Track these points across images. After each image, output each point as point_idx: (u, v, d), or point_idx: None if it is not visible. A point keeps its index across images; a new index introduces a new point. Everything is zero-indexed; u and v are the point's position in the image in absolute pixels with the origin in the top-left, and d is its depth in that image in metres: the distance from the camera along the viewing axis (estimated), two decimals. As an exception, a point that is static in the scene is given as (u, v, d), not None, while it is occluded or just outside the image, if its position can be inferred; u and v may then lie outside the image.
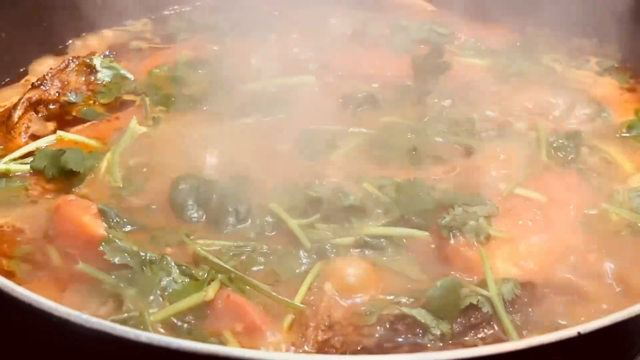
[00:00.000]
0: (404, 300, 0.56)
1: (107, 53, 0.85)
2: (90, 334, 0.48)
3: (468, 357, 0.48)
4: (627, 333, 0.52)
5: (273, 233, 0.61)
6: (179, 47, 0.86)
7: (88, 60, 0.80)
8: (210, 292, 0.56)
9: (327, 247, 0.59)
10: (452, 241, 0.59)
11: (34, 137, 0.74)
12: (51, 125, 0.75)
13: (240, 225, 0.61)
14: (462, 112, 0.73)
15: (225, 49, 0.84)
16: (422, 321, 0.54)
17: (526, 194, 0.63)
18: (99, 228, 0.61)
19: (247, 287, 0.56)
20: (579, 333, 0.50)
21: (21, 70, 0.83)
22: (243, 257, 0.59)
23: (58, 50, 0.86)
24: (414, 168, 0.67)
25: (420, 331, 0.54)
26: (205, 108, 0.74)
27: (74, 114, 0.77)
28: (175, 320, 0.55)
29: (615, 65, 0.84)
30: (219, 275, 0.57)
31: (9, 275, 0.59)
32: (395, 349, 0.53)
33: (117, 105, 0.77)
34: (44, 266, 0.60)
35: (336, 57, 0.81)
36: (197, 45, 0.86)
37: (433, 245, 0.60)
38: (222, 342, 0.53)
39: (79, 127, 0.75)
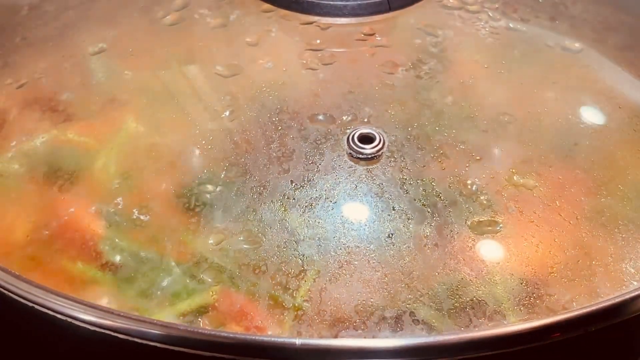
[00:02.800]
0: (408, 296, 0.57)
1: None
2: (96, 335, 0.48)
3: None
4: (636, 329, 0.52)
5: (275, 230, 0.61)
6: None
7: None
8: (212, 292, 0.56)
9: (329, 244, 0.59)
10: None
11: (29, 135, 0.73)
12: (46, 124, 0.74)
13: (242, 223, 0.61)
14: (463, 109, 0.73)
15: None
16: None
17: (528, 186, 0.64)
18: (98, 227, 0.60)
19: (250, 287, 0.57)
20: (586, 330, 0.50)
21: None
22: (245, 256, 0.59)
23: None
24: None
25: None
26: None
27: (69, 112, 0.76)
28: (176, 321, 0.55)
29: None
30: (221, 275, 0.57)
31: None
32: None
33: (113, 104, 0.77)
34: (41, 267, 0.60)
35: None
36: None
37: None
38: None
39: (75, 125, 0.74)
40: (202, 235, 0.60)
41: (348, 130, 0.66)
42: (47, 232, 0.62)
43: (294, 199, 0.62)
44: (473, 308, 0.56)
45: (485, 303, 0.56)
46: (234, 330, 0.55)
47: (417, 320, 0.55)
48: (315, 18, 0.76)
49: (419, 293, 0.57)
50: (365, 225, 0.61)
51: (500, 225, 0.61)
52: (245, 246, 0.59)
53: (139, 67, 0.79)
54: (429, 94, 0.72)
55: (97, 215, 0.61)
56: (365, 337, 0.55)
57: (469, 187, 0.63)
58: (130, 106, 0.74)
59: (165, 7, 0.79)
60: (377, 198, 0.62)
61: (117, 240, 0.59)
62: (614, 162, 0.68)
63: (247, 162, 0.65)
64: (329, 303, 0.56)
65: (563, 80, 0.78)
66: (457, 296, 0.57)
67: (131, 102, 0.74)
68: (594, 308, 0.54)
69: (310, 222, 0.61)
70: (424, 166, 0.64)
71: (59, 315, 0.54)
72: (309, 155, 0.65)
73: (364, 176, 0.63)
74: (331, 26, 0.77)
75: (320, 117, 0.68)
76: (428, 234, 0.60)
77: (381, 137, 0.65)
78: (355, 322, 0.56)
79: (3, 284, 0.55)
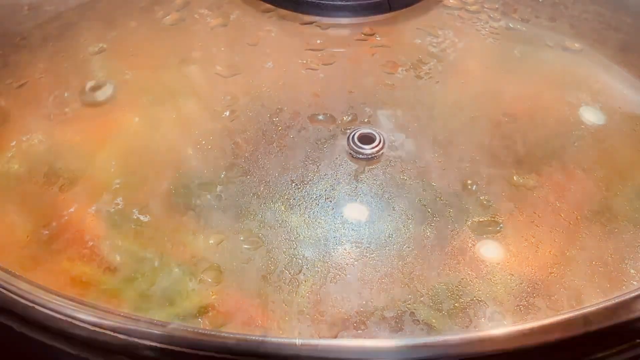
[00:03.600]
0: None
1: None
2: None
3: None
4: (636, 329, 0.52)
5: (275, 230, 0.61)
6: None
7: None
8: (211, 292, 0.56)
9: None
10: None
11: (29, 135, 0.73)
12: (46, 124, 0.74)
13: (242, 223, 0.61)
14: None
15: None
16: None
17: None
18: (98, 227, 0.60)
19: (249, 287, 0.57)
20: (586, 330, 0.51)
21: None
22: (246, 256, 0.59)
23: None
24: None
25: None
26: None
27: (69, 112, 0.76)
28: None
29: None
30: (221, 275, 0.57)
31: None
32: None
33: (113, 104, 0.77)
34: (41, 267, 0.60)
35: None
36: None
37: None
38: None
39: (75, 125, 0.74)
40: (202, 236, 0.60)
41: (348, 130, 0.66)
42: (47, 232, 0.62)
43: (294, 198, 0.62)
44: (473, 308, 0.56)
45: (485, 303, 0.56)
46: (234, 331, 0.55)
47: (417, 320, 0.55)
48: (316, 18, 0.76)
49: (419, 293, 0.57)
50: (366, 225, 0.61)
51: (501, 225, 0.61)
52: (245, 246, 0.59)
53: (139, 67, 0.80)
54: (429, 94, 0.72)
55: (97, 216, 0.61)
56: (365, 337, 0.55)
57: (469, 187, 0.63)
58: (130, 106, 0.74)
59: (165, 7, 0.79)
60: (377, 198, 0.62)
61: (117, 240, 0.59)
62: (614, 162, 0.68)
63: (247, 162, 0.65)
64: (329, 303, 0.56)
65: (563, 80, 0.78)
66: (457, 296, 0.57)
67: (131, 102, 0.74)
68: (594, 308, 0.54)
69: (310, 222, 0.61)
70: (424, 166, 0.64)
71: (59, 315, 0.54)
72: (309, 155, 0.65)
73: (364, 176, 0.63)
74: (331, 26, 0.77)
75: (321, 117, 0.68)
76: (428, 234, 0.60)
77: (381, 137, 0.65)
78: (355, 322, 0.56)
79: (3, 284, 0.55)
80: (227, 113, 0.68)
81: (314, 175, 0.63)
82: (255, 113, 0.68)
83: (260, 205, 0.61)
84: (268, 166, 0.64)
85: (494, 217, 0.61)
